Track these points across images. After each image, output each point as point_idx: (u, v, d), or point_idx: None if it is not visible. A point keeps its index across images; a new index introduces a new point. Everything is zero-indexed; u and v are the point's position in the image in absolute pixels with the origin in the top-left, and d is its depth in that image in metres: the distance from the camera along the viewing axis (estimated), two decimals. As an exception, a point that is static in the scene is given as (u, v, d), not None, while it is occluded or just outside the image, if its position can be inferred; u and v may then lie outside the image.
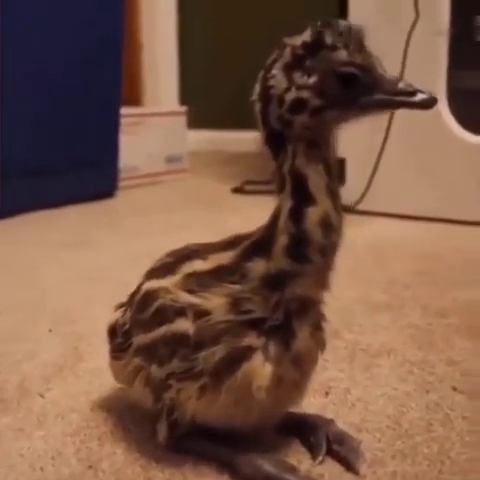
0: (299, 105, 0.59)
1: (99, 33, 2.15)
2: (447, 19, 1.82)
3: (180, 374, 0.67)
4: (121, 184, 2.35)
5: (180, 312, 0.66)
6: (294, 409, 0.76)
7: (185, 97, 3.60)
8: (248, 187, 2.28)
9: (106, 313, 0.81)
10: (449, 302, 1.21)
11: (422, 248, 1.64)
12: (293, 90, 0.59)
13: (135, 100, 3.48)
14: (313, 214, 0.61)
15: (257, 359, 0.64)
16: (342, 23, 0.59)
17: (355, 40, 0.59)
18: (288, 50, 0.60)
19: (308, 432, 0.75)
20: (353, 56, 0.58)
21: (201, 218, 1.96)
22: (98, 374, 0.92)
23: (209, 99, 3.53)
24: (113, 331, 0.78)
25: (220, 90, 3.44)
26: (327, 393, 0.87)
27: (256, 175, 2.21)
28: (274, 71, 0.60)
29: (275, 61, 0.61)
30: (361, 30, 0.60)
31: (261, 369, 0.64)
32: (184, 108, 2.82)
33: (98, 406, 0.85)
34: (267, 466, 0.67)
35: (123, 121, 2.34)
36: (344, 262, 1.51)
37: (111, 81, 2.26)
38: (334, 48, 0.58)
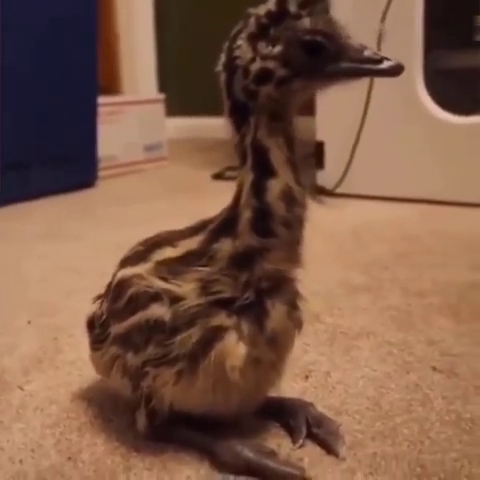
0: (265, 75, 0.58)
1: (72, 23, 2.13)
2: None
3: (156, 360, 0.66)
4: (100, 174, 2.34)
5: (155, 297, 0.66)
6: (274, 393, 0.76)
7: (163, 84, 3.58)
8: (228, 173, 2.28)
9: (86, 305, 0.81)
10: (428, 283, 1.22)
11: (401, 230, 1.64)
12: (258, 60, 0.58)
13: (114, 89, 3.45)
14: (275, 187, 0.60)
15: (230, 339, 0.64)
16: None
17: (319, 8, 0.58)
18: (252, 20, 0.59)
19: (288, 416, 0.75)
20: (318, 24, 0.57)
21: (182, 206, 1.95)
22: (78, 366, 0.91)
23: (188, 86, 3.51)
24: (92, 323, 0.77)
25: (198, 77, 3.42)
26: (307, 377, 0.87)
27: (236, 161, 2.20)
28: (239, 41, 0.59)
29: (240, 31, 0.60)
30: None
31: (234, 348, 0.64)
32: (162, 96, 2.80)
33: (78, 397, 0.84)
34: (246, 452, 0.67)
35: (101, 110, 2.33)
36: (324, 245, 1.52)
37: (87, 71, 2.24)
38: (298, 16, 0.57)
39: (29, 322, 1.09)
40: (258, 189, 0.61)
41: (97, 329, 0.75)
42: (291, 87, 0.59)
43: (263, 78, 0.59)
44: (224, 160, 2.46)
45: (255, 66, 0.59)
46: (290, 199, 0.61)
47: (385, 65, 0.58)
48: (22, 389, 0.87)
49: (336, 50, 0.58)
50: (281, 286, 0.65)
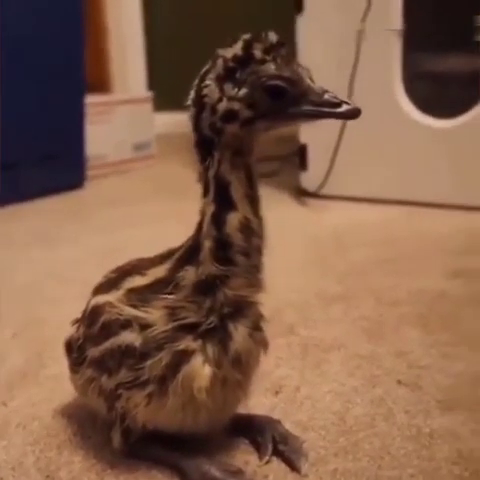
0: (230, 115, 0.63)
1: (59, 20, 2.13)
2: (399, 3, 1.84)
3: (128, 383, 0.70)
4: (89, 173, 2.36)
5: (125, 325, 0.70)
6: (243, 410, 0.80)
7: (153, 80, 3.60)
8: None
9: (72, 316, 0.84)
10: (402, 292, 1.26)
11: (382, 233, 1.67)
12: (224, 101, 0.63)
13: (103, 86, 3.46)
14: (233, 219, 0.65)
15: (196, 361, 0.68)
16: (272, 36, 0.62)
17: (283, 53, 0.62)
18: (220, 62, 0.63)
19: (255, 433, 0.80)
20: (281, 69, 0.61)
21: (170, 208, 1.96)
22: (61, 380, 0.94)
23: (177, 81, 3.52)
24: (69, 346, 0.81)
25: (188, 71, 3.43)
26: (277, 392, 0.91)
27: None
28: (207, 81, 0.63)
29: (208, 71, 0.64)
30: (287, 45, 0.63)
31: (200, 370, 0.68)
32: (150, 94, 2.82)
33: (59, 413, 0.88)
34: (213, 471, 0.71)
35: (88, 110, 2.34)
36: (305, 250, 1.55)
37: (74, 69, 2.24)
38: (263, 61, 0.61)
39: (14, 334, 1.13)
40: (218, 221, 0.65)
41: (75, 352, 0.79)
42: (255, 127, 0.64)
43: (229, 117, 0.63)
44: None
45: (222, 106, 0.63)
46: (248, 230, 0.66)
47: (343, 109, 0.62)
48: (6, 405, 0.91)
49: (298, 94, 0.62)
50: (243, 310, 0.70)
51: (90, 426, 0.84)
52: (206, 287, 0.67)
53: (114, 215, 1.96)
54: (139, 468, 0.76)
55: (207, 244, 0.66)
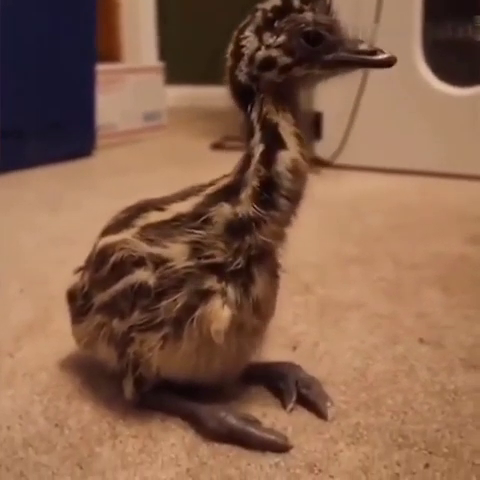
0: (268, 63, 0.63)
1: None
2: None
3: (141, 325, 0.68)
4: (99, 142, 2.33)
5: (139, 263, 0.67)
6: (258, 359, 0.77)
7: (164, 52, 3.56)
8: (228, 143, 2.27)
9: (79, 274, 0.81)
10: (420, 255, 1.22)
11: (397, 202, 1.64)
12: (263, 49, 0.64)
13: (115, 56, 3.43)
14: (285, 158, 0.64)
15: (215, 302, 0.66)
16: None
17: (321, 4, 0.63)
18: (259, 14, 0.64)
19: (276, 379, 0.77)
20: (319, 17, 0.63)
21: (180, 176, 1.93)
22: (68, 334, 0.90)
23: (188, 54, 3.48)
24: (72, 296, 0.78)
25: (199, 45, 3.40)
26: (295, 347, 0.88)
27: (236, 131, 2.18)
28: (246, 32, 0.65)
29: (248, 24, 0.65)
30: None
31: (220, 312, 0.66)
32: (161, 64, 2.78)
33: (67, 365, 0.85)
34: (230, 418, 0.68)
35: (99, 78, 2.31)
36: (321, 216, 1.53)
37: (85, 38, 2.22)
38: (301, 10, 0.63)
39: (22, 290, 1.10)
40: (268, 159, 0.64)
41: (79, 300, 0.76)
42: (293, 73, 0.64)
43: (267, 65, 0.64)
44: (223, 129, 2.45)
45: (260, 54, 0.64)
46: (297, 171, 0.64)
47: (379, 57, 0.63)
48: (12, 356, 0.88)
49: (335, 41, 0.63)
50: (267, 255, 0.68)
51: (100, 378, 0.80)
52: (239, 228, 0.65)
53: (121, 182, 1.93)
54: (151, 419, 0.72)
55: (252, 183, 0.64)
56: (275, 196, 0.64)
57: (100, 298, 0.71)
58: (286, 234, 0.67)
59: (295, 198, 0.65)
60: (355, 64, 0.65)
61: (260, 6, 0.65)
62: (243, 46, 0.64)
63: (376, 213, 1.53)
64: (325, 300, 1.03)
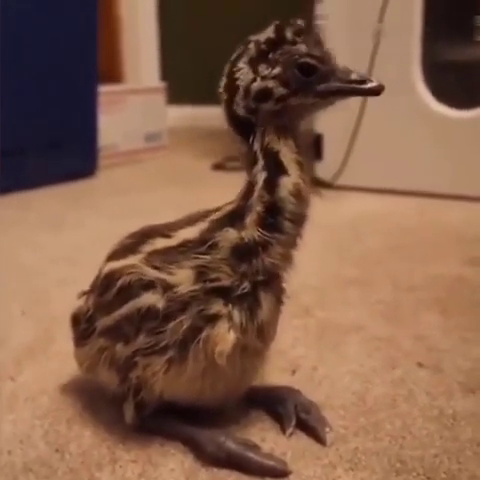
0: (265, 94, 0.65)
1: (72, 8, 2.13)
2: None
3: (146, 349, 0.68)
4: (101, 163, 2.34)
5: (147, 286, 0.68)
6: (259, 383, 0.78)
7: (166, 72, 3.58)
8: (229, 163, 2.28)
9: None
10: (419, 277, 1.23)
11: (397, 223, 1.65)
12: (258, 80, 0.65)
13: (116, 76, 3.45)
14: (287, 183, 0.66)
15: (221, 326, 0.67)
16: (300, 22, 0.66)
17: (312, 36, 0.66)
18: (252, 45, 0.66)
19: (276, 403, 0.77)
20: (311, 49, 0.65)
21: (182, 197, 1.94)
22: (69, 357, 0.90)
23: (190, 74, 3.51)
24: (76, 319, 0.79)
25: (201, 65, 3.42)
26: (294, 371, 0.89)
27: (237, 151, 2.19)
28: (240, 65, 0.66)
29: (240, 56, 0.67)
30: (317, 28, 0.68)
31: (225, 335, 0.67)
32: (163, 84, 2.80)
33: (68, 389, 0.86)
34: (230, 443, 0.69)
35: (102, 99, 2.32)
36: (321, 237, 1.53)
37: (87, 57, 2.23)
38: (294, 42, 0.65)
39: (23, 312, 1.10)
40: (271, 185, 0.66)
41: (83, 324, 0.76)
42: (289, 103, 0.66)
43: (263, 96, 0.66)
44: (224, 150, 2.46)
45: (255, 86, 0.65)
46: (299, 196, 0.66)
47: (368, 85, 0.66)
48: (13, 380, 0.88)
49: (327, 71, 0.66)
50: (274, 280, 0.69)
51: (101, 402, 0.81)
52: (245, 252, 0.66)
53: (123, 203, 1.94)
54: (151, 443, 0.73)
55: (257, 208, 0.66)
56: (279, 219, 0.66)
57: (103, 322, 0.72)
58: (293, 256, 0.69)
59: (299, 220, 0.66)
60: (347, 93, 0.67)
61: (252, 38, 0.67)
62: (237, 78, 0.66)
63: (376, 234, 1.53)
64: (324, 323, 1.04)
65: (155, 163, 2.58)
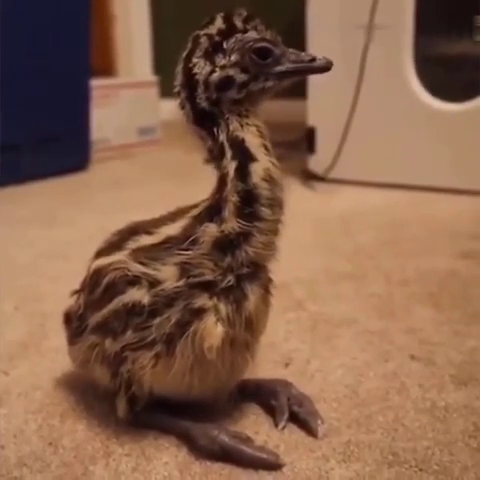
0: (227, 82, 0.67)
1: (65, 4, 2.12)
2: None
3: (134, 344, 0.69)
4: (93, 156, 2.34)
5: (133, 282, 0.68)
6: (250, 377, 0.78)
7: (159, 66, 3.57)
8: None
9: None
10: (411, 272, 1.23)
11: (389, 217, 1.65)
12: (218, 71, 0.67)
13: (109, 70, 3.44)
14: (258, 169, 0.66)
15: (209, 319, 0.67)
16: (243, 12, 0.68)
17: (259, 23, 0.68)
18: (204, 39, 0.67)
19: (268, 396, 0.78)
20: (262, 34, 0.67)
21: (175, 191, 1.94)
22: (62, 352, 0.91)
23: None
24: (68, 318, 0.80)
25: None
26: (287, 364, 0.89)
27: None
28: (195, 59, 0.67)
29: (192, 51, 0.68)
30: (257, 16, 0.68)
31: (213, 329, 0.67)
32: (156, 78, 2.79)
33: (62, 383, 0.86)
34: (223, 436, 0.69)
35: (94, 93, 2.32)
36: (313, 231, 1.53)
37: (79, 52, 2.23)
38: (245, 30, 0.67)
39: (16, 308, 1.10)
40: (243, 174, 0.66)
41: (75, 322, 0.77)
42: (250, 90, 0.67)
43: (225, 85, 0.67)
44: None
45: (215, 76, 0.67)
46: (271, 180, 0.66)
47: (318, 62, 0.69)
48: (7, 374, 0.88)
49: (280, 54, 0.68)
50: (258, 272, 0.69)
51: (94, 396, 0.81)
52: (227, 245, 0.66)
53: (116, 197, 1.94)
54: (145, 437, 0.73)
55: (233, 199, 0.66)
56: (257, 207, 0.66)
57: (94, 319, 0.72)
58: (275, 244, 0.69)
59: (276, 205, 0.67)
60: (302, 72, 0.70)
61: (201, 32, 0.68)
62: (195, 73, 0.67)
63: (368, 229, 1.53)
64: (317, 316, 1.04)
65: (148, 157, 2.57)
